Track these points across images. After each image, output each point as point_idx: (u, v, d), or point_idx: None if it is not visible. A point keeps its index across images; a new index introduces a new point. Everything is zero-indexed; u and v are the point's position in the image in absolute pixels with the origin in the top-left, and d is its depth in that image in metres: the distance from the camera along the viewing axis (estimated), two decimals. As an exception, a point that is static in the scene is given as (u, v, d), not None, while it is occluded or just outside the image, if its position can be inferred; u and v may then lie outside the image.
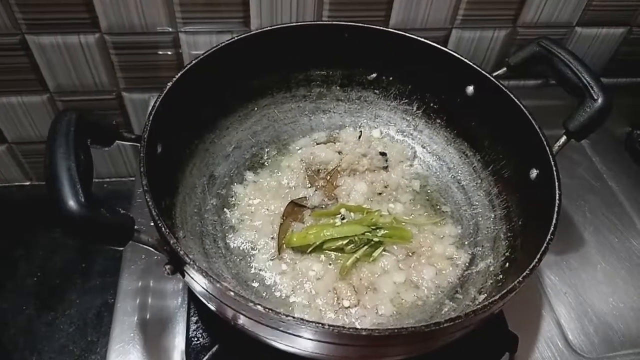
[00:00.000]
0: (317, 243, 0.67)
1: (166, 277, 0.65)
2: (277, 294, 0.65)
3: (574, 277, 0.75)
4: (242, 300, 0.47)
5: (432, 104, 0.80)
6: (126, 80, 0.92)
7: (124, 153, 1.07)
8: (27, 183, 1.10)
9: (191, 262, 0.49)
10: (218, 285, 0.48)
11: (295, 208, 0.72)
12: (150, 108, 0.61)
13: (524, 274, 0.51)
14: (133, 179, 1.10)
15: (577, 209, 0.83)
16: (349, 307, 0.63)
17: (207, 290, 0.51)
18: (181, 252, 0.49)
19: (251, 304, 0.47)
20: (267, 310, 0.46)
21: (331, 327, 0.45)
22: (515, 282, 0.50)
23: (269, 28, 0.72)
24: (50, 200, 0.45)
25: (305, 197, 0.73)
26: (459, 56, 0.72)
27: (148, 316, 0.69)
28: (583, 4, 0.92)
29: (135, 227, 0.50)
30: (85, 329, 0.95)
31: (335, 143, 0.80)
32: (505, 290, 0.49)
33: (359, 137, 0.80)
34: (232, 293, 0.47)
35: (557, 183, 0.58)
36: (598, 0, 0.92)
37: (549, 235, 0.54)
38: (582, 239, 0.80)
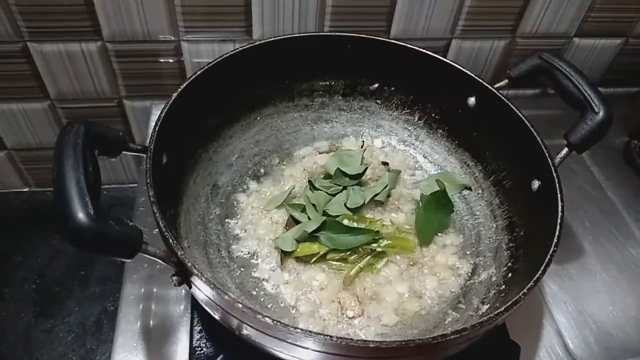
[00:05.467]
0: (321, 253, 0.67)
1: (169, 285, 0.65)
2: (281, 303, 0.65)
3: (574, 286, 0.76)
4: (250, 312, 0.47)
5: (433, 114, 0.81)
6: (127, 88, 0.92)
7: (124, 160, 1.07)
8: (26, 189, 1.10)
9: (199, 274, 0.49)
10: (226, 297, 0.48)
11: (298, 217, 0.72)
12: (153, 116, 0.61)
13: (529, 285, 0.51)
14: (132, 185, 1.10)
15: (576, 218, 0.84)
16: (353, 317, 0.63)
17: (214, 302, 0.51)
18: (189, 264, 0.49)
19: (259, 316, 0.47)
20: (274, 322, 0.47)
21: (339, 340, 0.46)
22: (520, 294, 0.51)
23: (273, 39, 0.72)
24: (59, 212, 0.45)
25: (308, 206, 0.73)
26: (460, 68, 0.73)
27: (151, 325, 0.69)
28: (581, 15, 0.93)
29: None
30: (84, 337, 0.94)
31: (337, 152, 0.80)
32: (510, 302, 0.50)
33: (362, 146, 0.81)
34: (240, 305, 0.48)
35: (559, 195, 0.58)
36: (596, 11, 0.93)
37: (552, 247, 0.54)
38: (581, 249, 0.81)
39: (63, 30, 0.82)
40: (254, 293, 0.66)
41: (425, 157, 0.82)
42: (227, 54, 0.69)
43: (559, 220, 0.57)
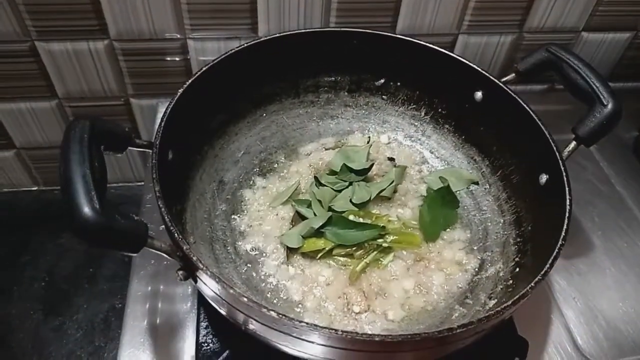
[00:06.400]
0: (327, 249, 0.67)
1: (175, 282, 0.66)
2: (287, 299, 0.65)
3: (583, 282, 0.76)
4: (255, 306, 0.47)
5: (440, 110, 0.80)
6: (134, 86, 0.93)
7: (131, 158, 1.07)
8: (35, 188, 1.10)
9: (204, 268, 0.49)
10: (231, 291, 0.48)
11: (304, 213, 0.72)
12: (160, 114, 0.61)
13: (536, 279, 0.51)
14: (139, 184, 1.10)
15: (585, 213, 0.83)
16: (359, 312, 0.63)
17: (219, 296, 0.51)
18: (194, 259, 0.49)
19: (264, 310, 0.47)
20: (280, 316, 0.46)
21: (344, 333, 0.46)
22: (528, 287, 0.50)
23: (278, 35, 0.72)
24: (65, 207, 0.45)
25: (314, 202, 0.73)
26: (467, 62, 0.72)
27: (158, 321, 0.69)
28: (589, 9, 0.92)
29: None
30: (93, 334, 0.95)
31: (343, 148, 0.80)
32: (517, 296, 0.50)
33: (368, 142, 0.80)
34: (245, 299, 0.48)
35: (567, 189, 0.58)
36: (604, 5, 0.92)
37: (560, 241, 0.54)
38: (590, 244, 0.80)
39: (70, 29, 0.82)
40: (260, 288, 0.66)
41: (432, 153, 0.82)
42: (232, 51, 0.69)
43: (566, 214, 0.56)
